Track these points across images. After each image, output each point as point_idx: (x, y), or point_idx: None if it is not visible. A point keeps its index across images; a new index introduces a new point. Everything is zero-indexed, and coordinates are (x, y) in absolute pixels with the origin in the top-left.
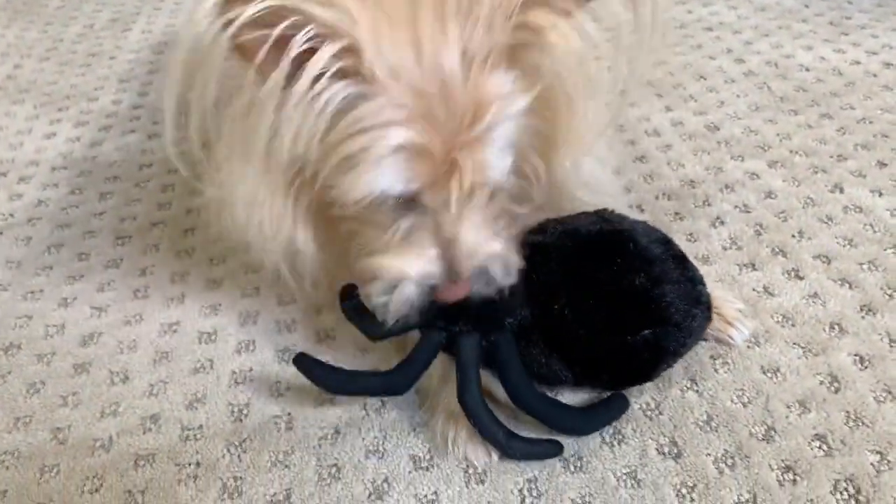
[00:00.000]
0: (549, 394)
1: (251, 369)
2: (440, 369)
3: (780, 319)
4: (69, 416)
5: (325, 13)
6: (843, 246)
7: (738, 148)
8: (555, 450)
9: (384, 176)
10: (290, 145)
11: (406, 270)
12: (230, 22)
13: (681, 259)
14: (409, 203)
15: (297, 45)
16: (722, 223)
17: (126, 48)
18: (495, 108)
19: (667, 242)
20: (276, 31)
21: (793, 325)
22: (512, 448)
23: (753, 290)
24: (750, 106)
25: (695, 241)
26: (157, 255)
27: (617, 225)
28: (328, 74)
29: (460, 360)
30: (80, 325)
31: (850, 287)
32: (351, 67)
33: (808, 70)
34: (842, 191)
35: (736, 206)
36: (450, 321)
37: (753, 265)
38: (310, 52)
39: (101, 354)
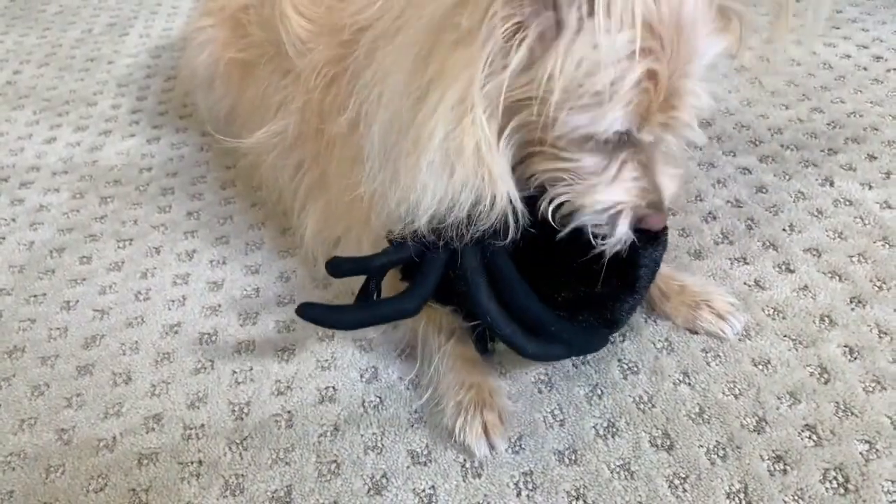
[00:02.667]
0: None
1: (251, 369)
2: (448, 361)
3: (770, 312)
4: (73, 417)
5: None
6: (834, 239)
7: (730, 143)
8: (567, 351)
9: (624, 111)
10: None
11: (622, 201)
12: None
13: None
14: (620, 140)
15: None
16: (714, 218)
17: (124, 52)
18: (707, 46)
19: None
20: None
21: (783, 318)
22: (530, 349)
23: (745, 283)
24: (742, 101)
25: (687, 236)
26: (158, 258)
27: None
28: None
29: (464, 271)
30: (83, 328)
31: (840, 279)
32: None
33: (799, 65)
34: (832, 184)
35: (727, 201)
36: (447, 242)
37: (745, 259)
38: None
39: (104, 356)
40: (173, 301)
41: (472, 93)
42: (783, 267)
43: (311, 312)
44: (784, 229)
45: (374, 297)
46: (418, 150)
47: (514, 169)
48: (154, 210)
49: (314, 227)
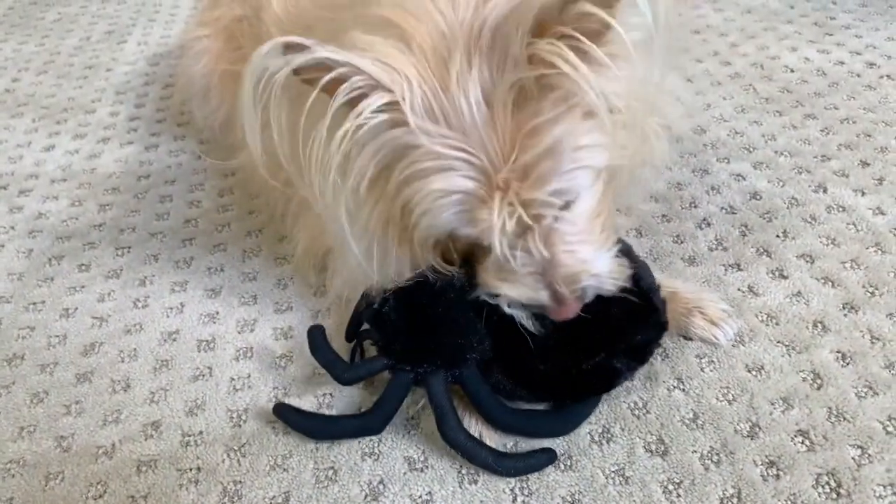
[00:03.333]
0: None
1: (249, 376)
2: None
3: (764, 318)
4: (72, 425)
5: (371, 67)
6: (827, 245)
7: (724, 150)
8: (547, 458)
9: (446, 219)
10: (352, 184)
11: (515, 298)
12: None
13: (632, 266)
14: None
15: (343, 94)
16: (708, 224)
17: (122, 60)
18: (532, 138)
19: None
20: (325, 78)
21: (777, 324)
22: (504, 467)
23: (738, 289)
24: (736, 108)
25: (681, 242)
26: (157, 266)
27: None
28: (371, 124)
29: (431, 397)
30: (82, 335)
31: (833, 285)
32: (396, 119)
33: (792, 71)
34: (825, 191)
35: (722, 208)
36: (415, 362)
37: (739, 265)
38: (360, 97)
39: (103, 363)
40: (171, 308)
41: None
42: (776, 273)
43: (283, 412)
44: (777, 235)
45: (358, 355)
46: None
47: None
48: (152, 218)
49: (306, 240)
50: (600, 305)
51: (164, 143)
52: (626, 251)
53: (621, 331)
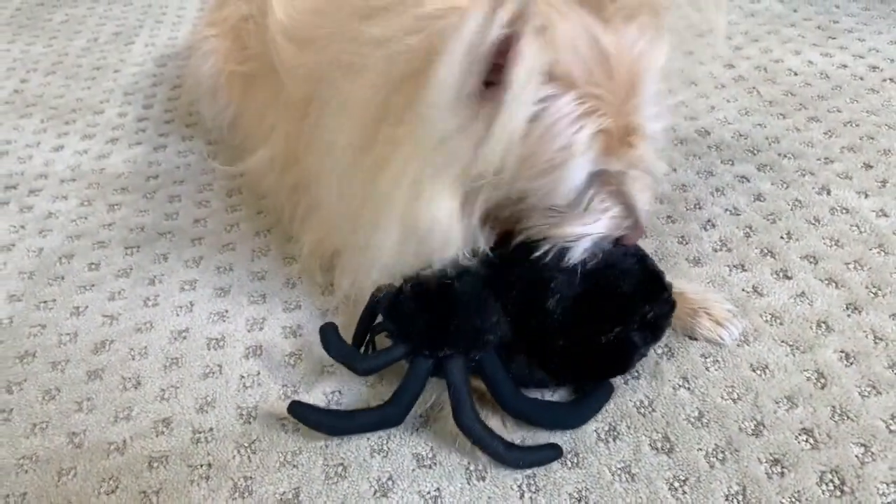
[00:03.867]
0: (538, 395)
1: (258, 373)
2: None
3: (768, 318)
4: (84, 421)
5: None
6: (830, 246)
7: (728, 152)
8: (554, 453)
9: (584, 167)
10: (490, 157)
11: (604, 232)
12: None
13: (638, 254)
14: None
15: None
16: (713, 226)
17: (130, 61)
18: (645, 71)
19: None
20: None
21: (781, 324)
22: (513, 458)
23: (743, 290)
24: (740, 111)
25: (686, 243)
26: (166, 265)
27: None
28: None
29: (450, 383)
30: (93, 333)
31: (837, 286)
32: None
33: (796, 74)
34: (829, 193)
35: (726, 209)
36: (434, 347)
37: (743, 266)
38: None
39: (114, 361)
40: (181, 307)
41: (426, 171)
42: (781, 274)
43: (298, 411)
44: (782, 237)
45: (370, 350)
46: (373, 219)
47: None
48: (161, 217)
49: (312, 241)
50: (611, 283)
51: (172, 144)
52: (638, 254)
53: (633, 305)
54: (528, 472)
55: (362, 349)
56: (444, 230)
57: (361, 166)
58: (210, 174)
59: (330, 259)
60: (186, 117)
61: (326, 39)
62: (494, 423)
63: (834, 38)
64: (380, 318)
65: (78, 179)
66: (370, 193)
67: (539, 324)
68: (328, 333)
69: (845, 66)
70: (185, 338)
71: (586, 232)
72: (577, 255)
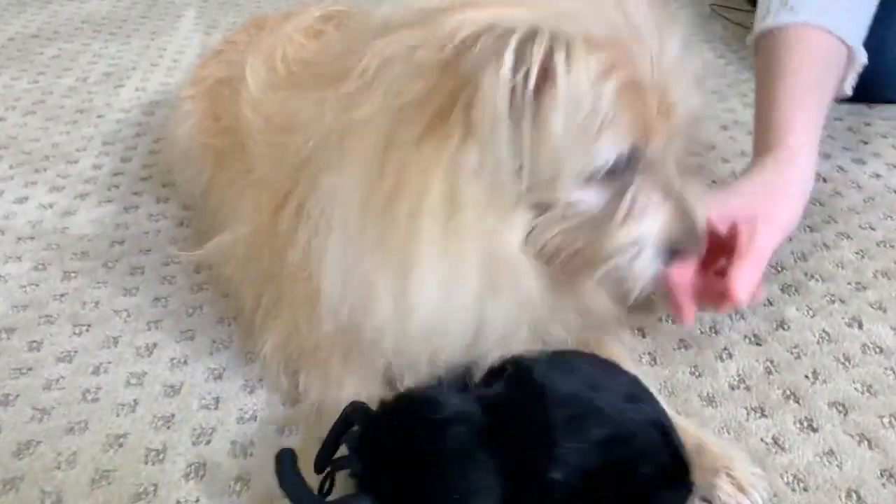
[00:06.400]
0: None
1: (197, 500)
2: None
3: (790, 480)
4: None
5: None
6: (862, 393)
7: None
8: None
9: (614, 133)
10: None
11: (644, 234)
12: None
13: (660, 422)
14: (627, 167)
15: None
16: (729, 356)
17: (116, 106)
18: (677, 39)
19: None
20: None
21: (805, 489)
22: None
23: (762, 440)
24: None
25: (699, 375)
26: (115, 351)
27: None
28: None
29: None
30: (18, 430)
31: (870, 445)
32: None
33: (825, 181)
34: (860, 326)
35: (745, 336)
36: None
37: (763, 410)
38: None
39: (36, 469)
40: (123, 405)
41: (458, 185)
42: (805, 423)
43: (283, 462)
44: (807, 376)
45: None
46: (400, 273)
47: None
48: (119, 292)
49: (278, 336)
50: (629, 463)
51: (145, 205)
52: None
53: (655, 493)
54: None
55: (320, 483)
56: (517, 267)
57: (371, 224)
58: (181, 243)
59: (297, 361)
60: (164, 175)
61: (312, 118)
62: None
63: (866, 143)
64: (345, 448)
65: (37, 238)
66: (387, 247)
67: (539, 498)
68: (284, 463)
69: (878, 176)
70: (121, 445)
71: (639, 234)
72: (638, 278)
